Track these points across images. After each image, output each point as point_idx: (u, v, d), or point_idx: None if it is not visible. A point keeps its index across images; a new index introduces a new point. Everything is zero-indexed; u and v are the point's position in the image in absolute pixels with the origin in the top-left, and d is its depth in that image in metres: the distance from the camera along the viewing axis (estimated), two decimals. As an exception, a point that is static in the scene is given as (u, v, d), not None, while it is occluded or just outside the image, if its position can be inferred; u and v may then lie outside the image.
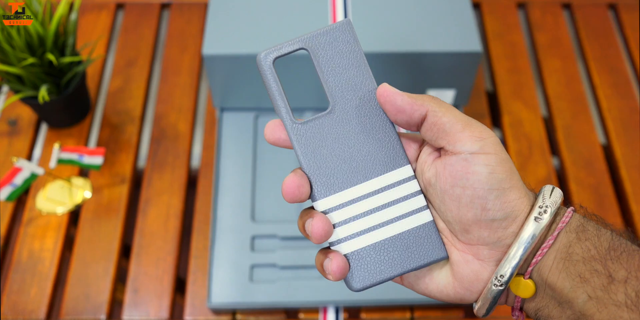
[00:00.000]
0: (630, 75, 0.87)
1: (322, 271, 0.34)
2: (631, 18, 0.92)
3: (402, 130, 0.45)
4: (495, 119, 0.84)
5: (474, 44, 0.70)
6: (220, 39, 0.70)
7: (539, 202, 0.32)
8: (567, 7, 0.94)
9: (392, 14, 0.73)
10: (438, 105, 0.33)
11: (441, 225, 0.35)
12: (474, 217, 0.32)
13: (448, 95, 0.76)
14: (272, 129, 0.35)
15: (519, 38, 0.89)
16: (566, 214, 0.32)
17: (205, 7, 0.91)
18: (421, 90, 0.75)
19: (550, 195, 0.32)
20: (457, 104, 0.77)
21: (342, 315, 0.67)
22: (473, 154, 0.32)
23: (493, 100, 0.85)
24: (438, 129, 0.32)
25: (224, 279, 0.67)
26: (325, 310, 0.67)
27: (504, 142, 0.80)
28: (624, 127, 0.81)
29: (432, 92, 0.75)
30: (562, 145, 0.80)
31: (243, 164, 0.74)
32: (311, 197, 0.35)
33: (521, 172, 0.77)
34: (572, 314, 0.31)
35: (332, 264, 0.34)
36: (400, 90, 0.34)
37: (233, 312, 0.67)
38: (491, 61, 0.87)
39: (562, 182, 0.78)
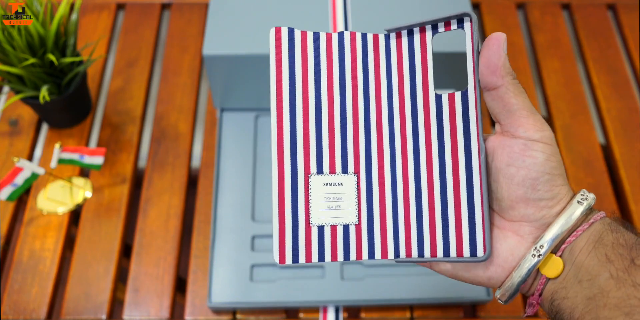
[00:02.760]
0: (630, 75, 0.87)
1: None
2: (630, 18, 0.92)
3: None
4: (494, 119, 0.84)
5: (473, 45, 0.70)
6: (220, 39, 0.71)
7: (581, 192, 0.35)
8: (566, 7, 0.94)
9: (392, 14, 0.73)
10: (514, 86, 0.35)
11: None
12: (523, 195, 0.34)
13: (448, 95, 0.76)
14: None
15: (518, 38, 0.89)
16: (600, 213, 0.35)
17: (205, 7, 0.91)
18: (421, 91, 0.75)
19: (589, 193, 0.36)
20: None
21: (342, 315, 0.67)
22: (533, 141, 0.34)
23: (492, 101, 0.85)
24: (504, 106, 0.35)
25: (224, 278, 0.67)
26: (325, 310, 0.67)
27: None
28: (623, 127, 0.81)
29: (431, 92, 0.75)
30: (562, 145, 0.80)
31: (243, 164, 0.74)
32: None
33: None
34: (590, 292, 0.33)
35: None
36: None
37: (233, 312, 0.68)
38: (491, 61, 0.87)
39: (561, 182, 0.78)
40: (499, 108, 0.35)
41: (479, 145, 0.35)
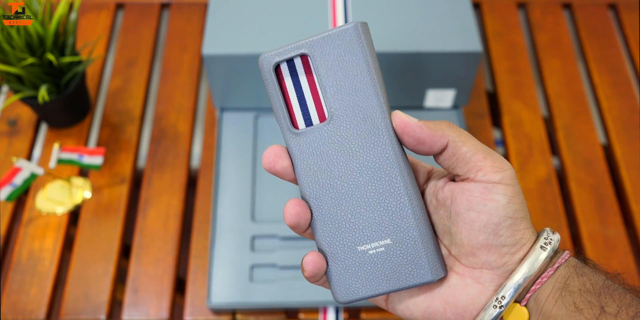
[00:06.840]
0: (631, 75, 0.87)
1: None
2: (631, 18, 0.92)
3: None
4: (495, 119, 0.84)
5: (474, 44, 0.70)
6: (220, 39, 0.70)
7: (544, 235, 0.34)
8: (567, 7, 0.94)
9: (392, 13, 0.73)
10: (458, 135, 0.33)
11: (443, 250, 0.35)
12: (484, 241, 0.33)
13: (448, 95, 0.75)
14: (272, 157, 0.35)
15: (519, 38, 0.89)
16: (565, 254, 0.34)
17: (205, 7, 0.91)
18: (421, 90, 0.75)
19: (553, 233, 0.34)
20: (457, 104, 0.77)
21: (342, 315, 0.67)
22: (494, 183, 0.33)
23: (493, 100, 0.85)
24: (457, 159, 0.33)
25: (224, 279, 0.67)
26: (325, 310, 0.67)
27: (504, 142, 0.80)
28: (624, 127, 0.81)
29: (432, 92, 0.75)
30: (562, 145, 0.80)
31: (243, 164, 0.74)
32: (311, 225, 0.35)
33: (521, 172, 0.77)
34: None
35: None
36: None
37: (233, 312, 0.67)
38: (491, 61, 0.87)
39: (562, 182, 0.78)
40: (452, 161, 0.34)
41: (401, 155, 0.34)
